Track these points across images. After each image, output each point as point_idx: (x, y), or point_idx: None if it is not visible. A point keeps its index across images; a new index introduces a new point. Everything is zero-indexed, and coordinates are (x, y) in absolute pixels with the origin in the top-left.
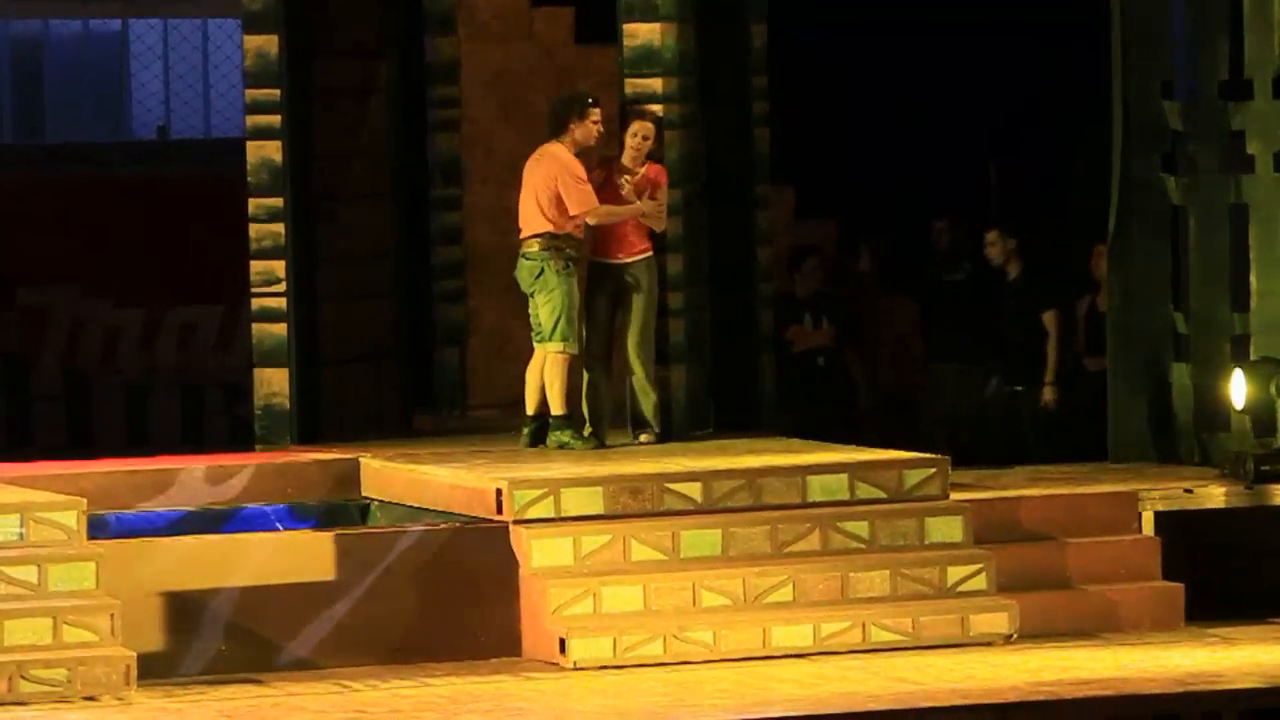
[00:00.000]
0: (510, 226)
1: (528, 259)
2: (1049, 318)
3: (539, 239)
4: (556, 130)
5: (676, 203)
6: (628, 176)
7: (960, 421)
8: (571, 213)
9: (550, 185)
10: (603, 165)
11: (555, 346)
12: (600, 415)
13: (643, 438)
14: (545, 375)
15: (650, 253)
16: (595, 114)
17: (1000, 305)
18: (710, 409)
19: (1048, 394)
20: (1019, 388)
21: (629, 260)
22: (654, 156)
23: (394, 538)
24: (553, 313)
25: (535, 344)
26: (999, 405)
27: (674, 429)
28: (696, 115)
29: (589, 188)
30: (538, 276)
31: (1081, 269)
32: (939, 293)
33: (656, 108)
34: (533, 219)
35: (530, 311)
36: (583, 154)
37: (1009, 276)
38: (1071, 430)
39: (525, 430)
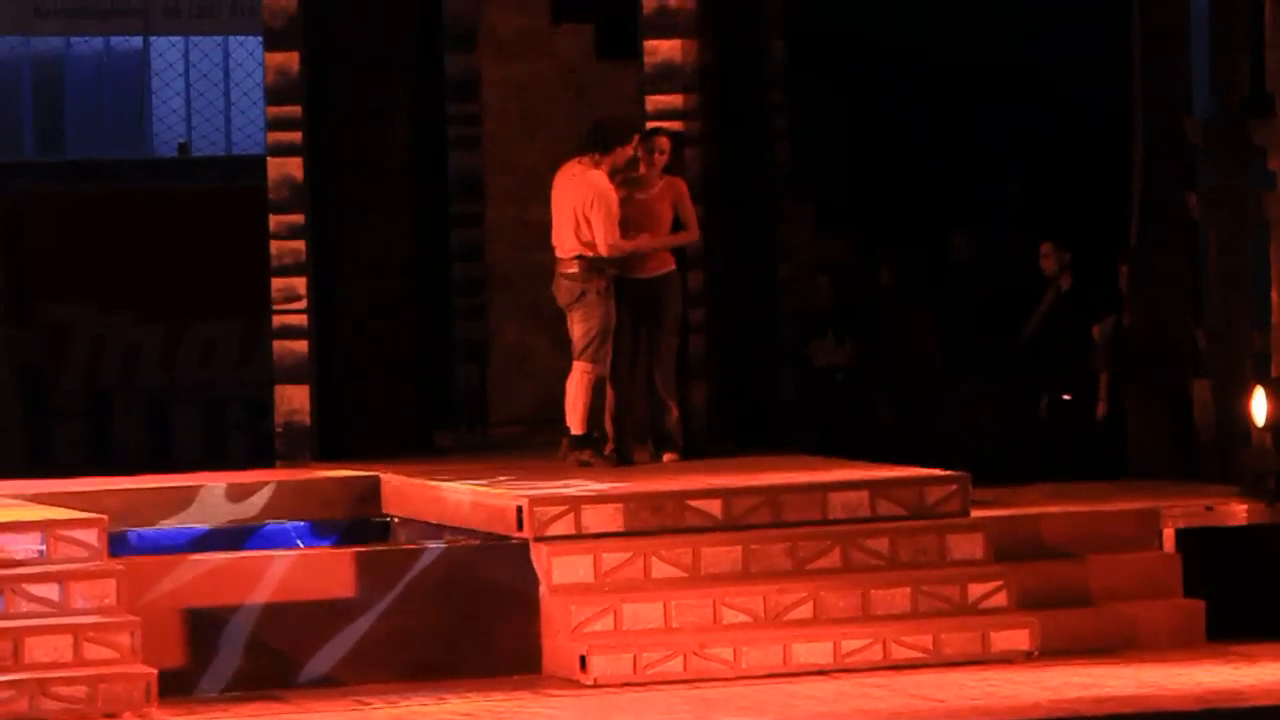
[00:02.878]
0: (530, 243)
1: (568, 278)
2: (1099, 330)
3: (579, 260)
4: (602, 148)
5: (698, 217)
6: (640, 192)
7: (981, 435)
8: (598, 245)
9: (586, 210)
10: (625, 185)
11: (584, 366)
12: (625, 431)
13: (666, 457)
14: (570, 391)
15: (674, 268)
16: (635, 140)
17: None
18: (730, 424)
19: (1101, 408)
20: (1067, 396)
21: (653, 276)
22: (672, 170)
23: (415, 555)
24: (587, 333)
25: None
26: (1052, 418)
27: (694, 445)
28: (716, 130)
29: (616, 225)
30: (580, 297)
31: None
32: (960, 306)
33: (676, 124)
34: (571, 240)
35: (569, 327)
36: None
37: (1061, 289)
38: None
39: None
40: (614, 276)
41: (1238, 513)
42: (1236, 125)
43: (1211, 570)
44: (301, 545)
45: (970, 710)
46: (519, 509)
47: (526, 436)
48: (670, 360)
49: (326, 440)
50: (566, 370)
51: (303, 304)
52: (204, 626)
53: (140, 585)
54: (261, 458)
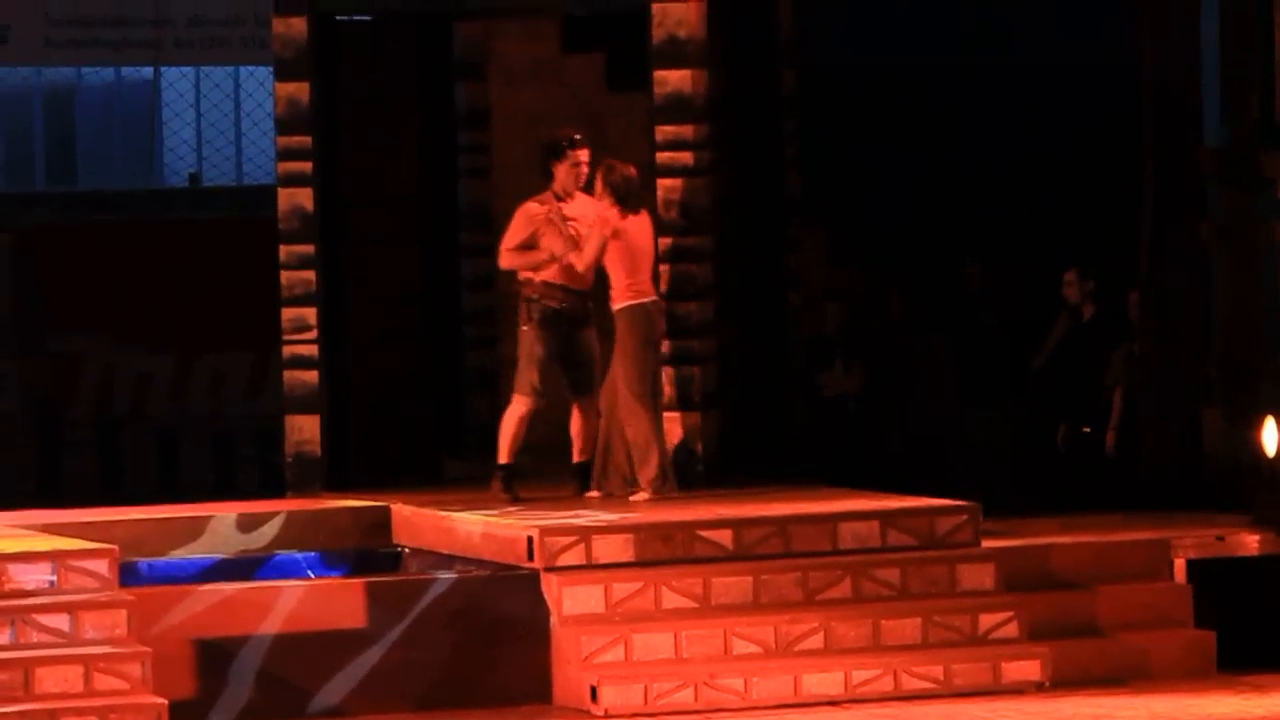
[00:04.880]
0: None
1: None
2: (1118, 358)
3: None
4: (543, 176)
5: (708, 247)
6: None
7: (991, 465)
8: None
9: None
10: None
11: (515, 397)
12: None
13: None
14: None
15: (628, 302)
16: (576, 155)
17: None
18: (740, 454)
19: (1111, 438)
20: (1087, 429)
21: (615, 310)
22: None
23: (425, 585)
24: (518, 365)
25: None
26: (1071, 448)
27: (704, 475)
28: (726, 160)
29: (509, 240)
30: (518, 328)
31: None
32: (971, 337)
33: (686, 154)
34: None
35: None
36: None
37: (1083, 317)
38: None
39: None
40: (556, 307)
41: (1249, 543)
42: (1247, 155)
43: (1223, 601)
44: (312, 575)
45: None
46: (529, 539)
47: (536, 466)
48: (621, 394)
49: (337, 470)
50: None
51: (313, 334)
52: (214, 657)
53: (151, 616)
54: (272, 488)
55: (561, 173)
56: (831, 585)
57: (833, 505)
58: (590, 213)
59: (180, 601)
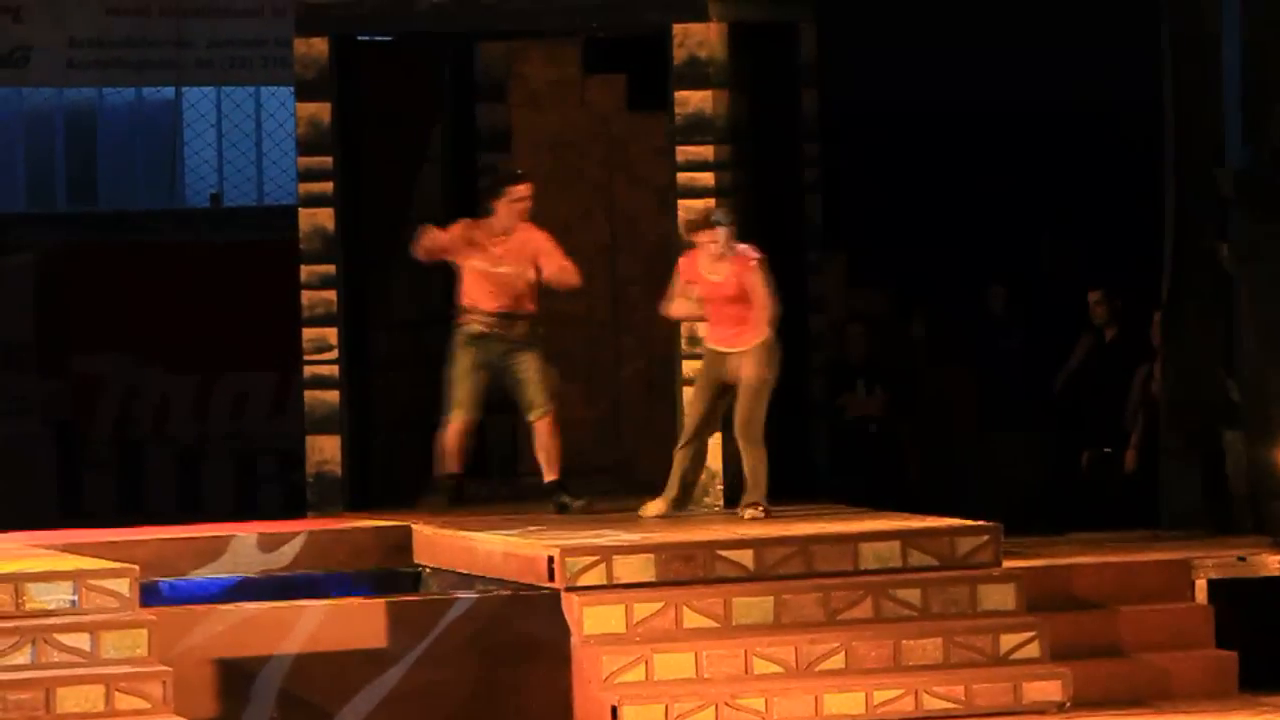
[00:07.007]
0: (559, 292)
1: None
2: (1139, 378)
3: None
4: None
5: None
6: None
7: (1015, 488)
8: None
9: None
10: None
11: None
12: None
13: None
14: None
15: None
16: (514, 190)
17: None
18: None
19: (1130, 458)
20: (1108, 449)
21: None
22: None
23: (446, 605)
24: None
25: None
26: (1095, 471)
27: (726, 496)
28: (747, 182)
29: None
30: None
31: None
32: (993, 360)
33: (707, 175)
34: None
35: None
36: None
37: (1106, 338)
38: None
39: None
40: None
41: (1270, 564)
42: (1268, 176)
43: (1244, 621)
44: (333, 595)
45: None
46: (550, 559)
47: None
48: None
49: (358, 490)
50: (597, 420)
51: (334, 354)
52: (236, 677)
53: (172, 635)
54: (293, 508)
55: (502, 208)
56: (853, 605)
57: (854, 526)
58: (528, 246)
59: (201, 621)
